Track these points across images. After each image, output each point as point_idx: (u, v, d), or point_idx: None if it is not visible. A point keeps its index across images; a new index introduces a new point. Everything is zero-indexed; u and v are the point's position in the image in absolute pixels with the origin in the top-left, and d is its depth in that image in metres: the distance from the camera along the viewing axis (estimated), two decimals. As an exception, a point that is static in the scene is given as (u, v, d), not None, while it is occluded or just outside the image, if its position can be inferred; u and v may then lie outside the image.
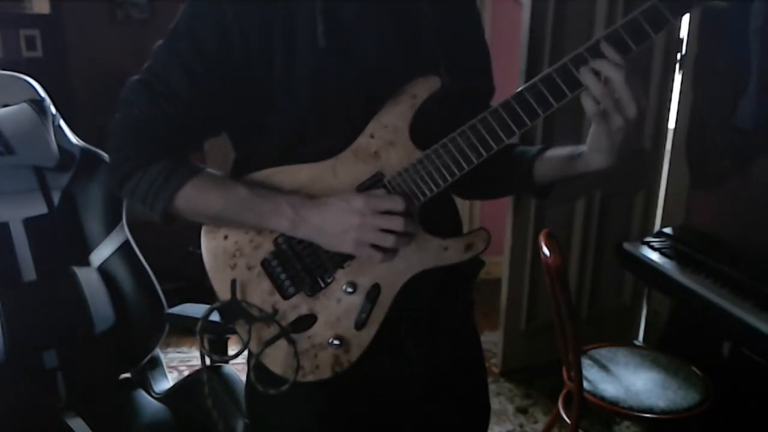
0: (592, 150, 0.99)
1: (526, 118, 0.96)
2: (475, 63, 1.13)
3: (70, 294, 1.59)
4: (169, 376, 1.81)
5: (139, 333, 1.72)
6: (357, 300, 1.00)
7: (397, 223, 0.95)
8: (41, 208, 1.64)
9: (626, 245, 2.41)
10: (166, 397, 1.69)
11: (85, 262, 1.67)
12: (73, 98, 3.15)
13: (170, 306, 1.72)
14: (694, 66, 2.63)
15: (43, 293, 1.59)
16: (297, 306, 1.01)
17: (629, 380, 1.99)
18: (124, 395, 1.71)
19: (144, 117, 0.97)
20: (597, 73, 0.91)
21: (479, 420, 1.25)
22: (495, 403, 2.68)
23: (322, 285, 1.00)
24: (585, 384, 1.95)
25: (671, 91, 2.83)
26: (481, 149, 0.97)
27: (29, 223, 1.62)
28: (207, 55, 0.94)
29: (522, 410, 2.65)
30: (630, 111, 0.92)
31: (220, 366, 1.66)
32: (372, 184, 0.98)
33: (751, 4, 2.27)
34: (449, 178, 0.98)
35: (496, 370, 2.91)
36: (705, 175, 2.66)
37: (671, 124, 2.90)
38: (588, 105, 0.93)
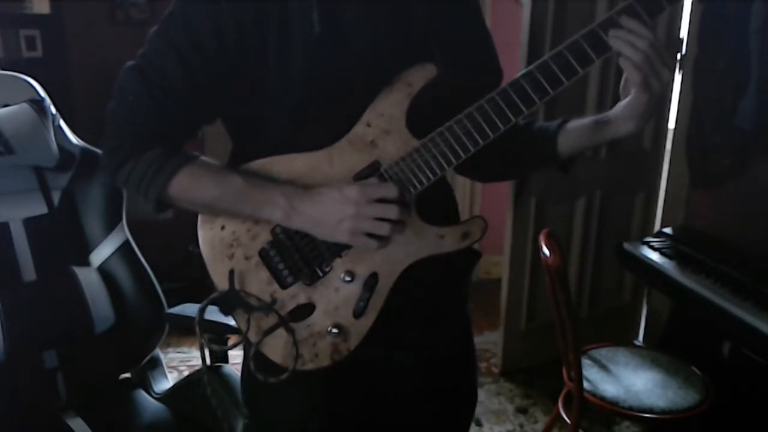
0: (625, 117, 0.99)
1: (522, 106, 0.96)
2: (474, 52, 1.13)
3: (70, 294, 1.59)
4: (169, 376, 1.81)
5: (139, 333, 1.72)
6: (355, 289, 1.01)
7: (391, 211, 0.95)
8: (41, 208, 1.64)
9: (626, 245, 2.41)
10: (166, 397, 1.69)
11: (85, 262, 1.67)
12: (73, 98, 3.15)
13: (170, 306, 1.71)
14: (694, 66, 2.63)
15: (43, 293, 1.59)
16: (295, 295, 1.01)
17: (629, 380, 1.99)
18: (124, 395, 1.70)
19: (138, 104, 0.97)
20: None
21: (468, 407, 1.27)
22: (495, 403, 2.68)
23: (320, 274, 1.01)
24: (585, 384, 1.95)
25: (671, 91, 2.83)
26: (477, 137, 0.98)
27: (29, 223, 1.62)
28: (202, 45, 0.95)
29: (522, 410, 2.65)
30: (664, 74, 0.94)
31: (220, 366, 1.66)
32: (369, 173, 0.99)
33: (751, 5, 2.27)
34: (446, 166, 0.99)
35: (496, 370, 2.91)
36: (705, 175, 2.66)
37: (671, 124, 2.90)
38: (633, 75, 0.94)
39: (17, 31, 3.04)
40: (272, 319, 1.01)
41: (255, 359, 1.02)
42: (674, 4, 0.96)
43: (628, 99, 0.98)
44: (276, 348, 1.02)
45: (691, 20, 2.62)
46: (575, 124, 1.07)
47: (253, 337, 1.02)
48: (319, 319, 1.01)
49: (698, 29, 2.59)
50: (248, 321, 1.01)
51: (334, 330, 1.01)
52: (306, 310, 1.01)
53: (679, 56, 2.74)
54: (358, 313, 1.01)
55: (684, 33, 2.70)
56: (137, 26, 3.23)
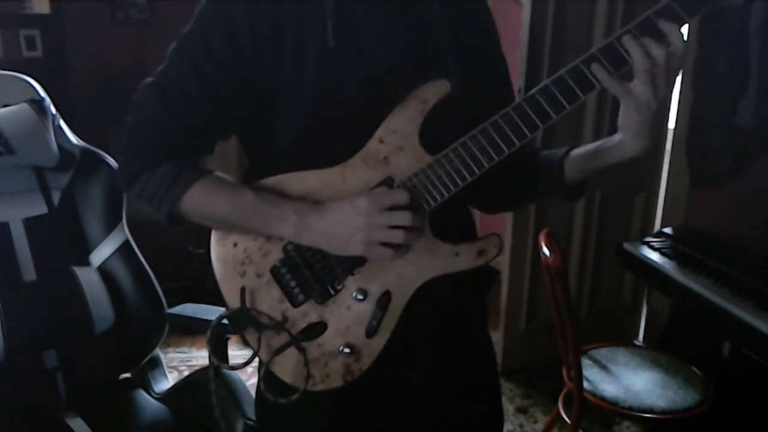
0: (627, 133, 0.97)
1: (538, 121, 0.95)
2: (489, 69, 1.12)
3: (70, 294, 1.59)
4: (169, 376, 1.81)
5: (139, 333, 1.72)
6: (367, 307, 0.99)
7: (404, 218, 0.93)
8: (41, 208, 1.64)
9: (626, 245, 2.41)
10: (166, 397, 1.69)
11: (85, 262, 1.67)
12: (73, 98, 3.15)
13: (170, 306, 1.71)
14: (694, 66, 2.63)
15: (43, 293, 1.59)
16: (307, 314, 1.00)
17: (629, 380, 1.99)
18: (124, 395, 1.71)
19: (155, 118, 0.97)
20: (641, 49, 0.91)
21: (490, 428, 1.23)
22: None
23: (332, 292, 0.99)
24: (585, 384, 1.95)
25: (671, 91, 2.83)
26: (492, 153, 0.96)
27: (29, 223, 1.62)
28: (218, 59, 0.95)
29: (522, 410, 2.65)
30: (662, 87, 0.92)
31: (218, 374, 1.65)
32: None
33: (751, 4, 2.27)
34: (460, 183, 0.97)
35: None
36: (705, 175, 2.66)
37: (671, 124, 2.90)
38: (608, 82, 0.92)
39: (17, 31, 3.04)
40: (283, 338, 0.99)
41: (265, 379, 1.00)
42: (694, 15, 0.94)
43: (620, 111, 0.97)
44: (287, 367, 1.00)
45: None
46: (580, 150, 1.06)
47: (264, 356, 1.00)
48: (330, 339, 1.00)
49: (698, 29, 2.59)
50: (259, 340, 0.99)
51: (346, 350, 0.99)
52: (317, 329, 1.00)
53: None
54: (370, 333, 0.99)
55: (684, 33, 2.69)
56: (137, 26, 3.23)
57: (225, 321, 1.01)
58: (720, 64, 2.45)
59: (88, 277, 1.62)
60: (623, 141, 0.98)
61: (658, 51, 0.90)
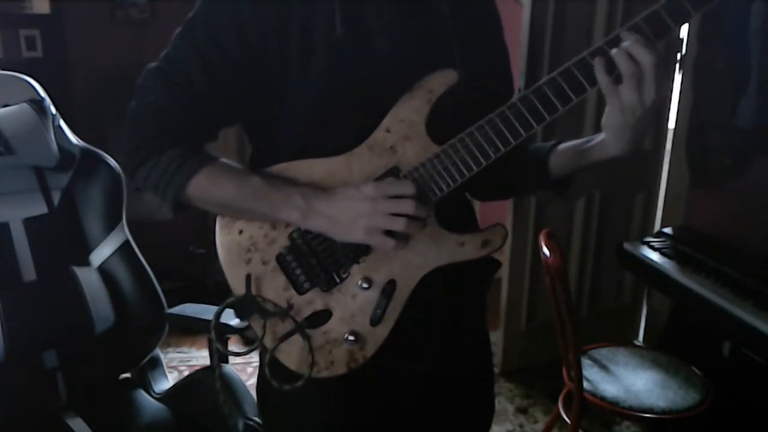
0: (609, 132, 0.97)
1: (545, 113, 0.95)
2: (494, 61, 1.12)
3: (70, 294, 1.59)
4: (169, 376, 1.81)
5: (139, 333, 1.72)
6: (372, 296, 0.99)
7: (407, 206, 0.94)
8: (41, 208, 1.64)
9: (626, 245, 2.41)
10: (166, 397, 1.69)
11: (85, 262, 1.67)
12: (73, 98, 3.15)
13: (170, 306, 1.72)
14: (694, 66, 2.63)
15: (43, 293, 1.59)
16: (312, 301, 1.00)
17: (629, 380, 1.99)
18: (124, 395, 1.71)
19: (159, 105, 0.97)
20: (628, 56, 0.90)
21: (484, 418, 1.26)
22: (495, 403, 2.68)
23: (338, 280, 1.00)
24: (585, 384, 1.95)
25: (671, 91, 2.83)
26: (498, 144, 0.96)
27: (29, 223, 1.62)
28: (224, 47, 0.95)
29: (522, 410, 2.65)
30: (648, 94, 0.91)
31: (221, 365, 1.66)
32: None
33: (751, 5, 2.27)
34: (466, 173, 0.97)
35: (496, 370, 2.91)
36: (705, 175, 2.66)
37: (671, 124, 2.90)
38: (601, 77, 0.92)
39: (17, 31, 3.04)
40: (288, 325, 0.99)
41: (270, 366, 1.00)
42: (702, 8, 0.92)
43: (605, 109, 0.97)
44: (291, 355, 1.01)
45: (691, 20, 2.62)
46: (567, 145, 1.07)
47: (268, 343, 1.00)
48: (335, 326, 1.00)
49: (698, 29, 2.59)
50: (264, 327, 1.00)
51: (351, 337, 0.99)
52: (322, 316, 1.00)
53: (679, 56, 2.74)
54: (375, 321, 0.99)
55: (684, 33, 2.70)
56: (137, 26, 3.23)
57: (230, 307, 1.01)
58: (720, 64, 2.45)
59: (88, 277, 1.62)
60: (605, 140, 0.99)
61: (645, 57, 0.90)
